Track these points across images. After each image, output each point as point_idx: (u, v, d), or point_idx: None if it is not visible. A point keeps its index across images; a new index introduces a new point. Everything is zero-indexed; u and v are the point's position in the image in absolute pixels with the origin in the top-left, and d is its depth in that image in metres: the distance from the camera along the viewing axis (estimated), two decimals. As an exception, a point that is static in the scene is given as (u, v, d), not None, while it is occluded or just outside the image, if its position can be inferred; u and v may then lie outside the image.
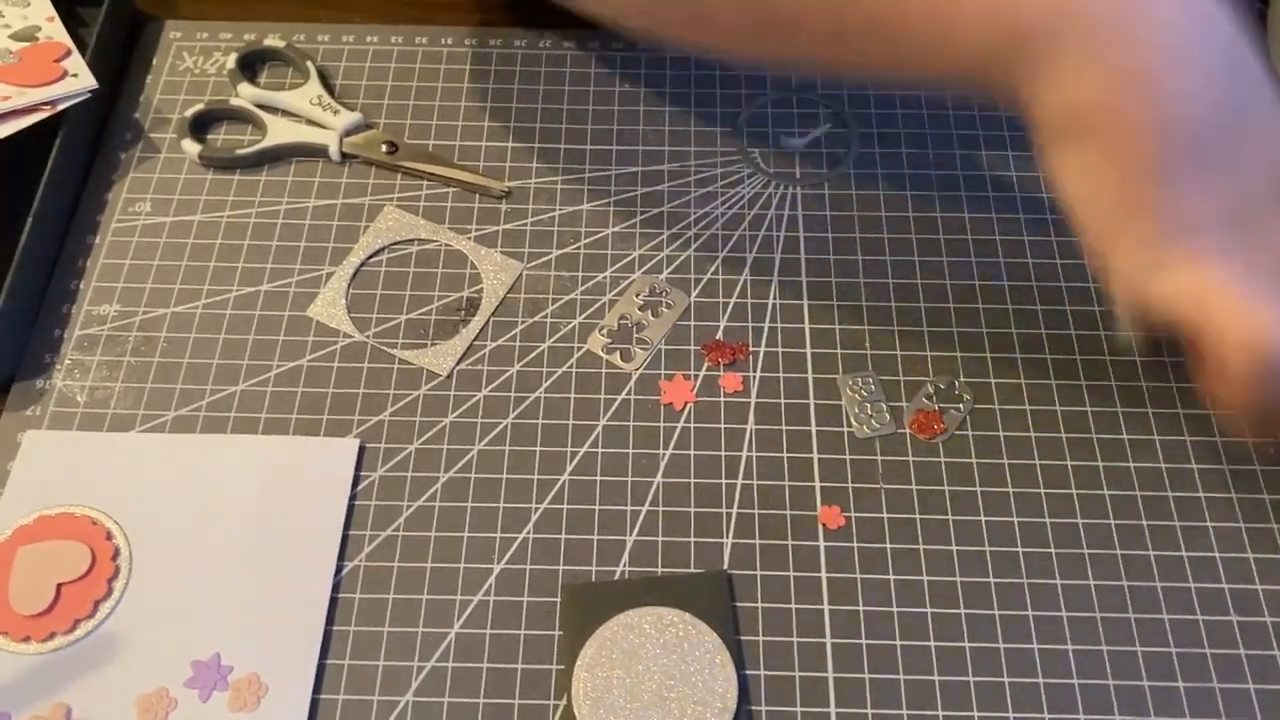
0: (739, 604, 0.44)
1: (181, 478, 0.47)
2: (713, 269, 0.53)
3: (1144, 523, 0.46)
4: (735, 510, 0.47)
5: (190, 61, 0.60)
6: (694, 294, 0.52)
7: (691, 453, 0.48)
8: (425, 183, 0.56)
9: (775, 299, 0.52)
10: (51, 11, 0.58)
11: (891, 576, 0.45)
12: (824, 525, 0.46)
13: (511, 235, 0.54)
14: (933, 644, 0.44)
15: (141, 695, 0.42)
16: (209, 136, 0.57)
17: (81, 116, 0.55)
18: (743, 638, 0.44)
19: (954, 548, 0.46)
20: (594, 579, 0.45)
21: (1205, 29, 0.38)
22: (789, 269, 0.53)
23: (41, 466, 0.47)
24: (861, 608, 0.44)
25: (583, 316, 0.52)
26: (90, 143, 0.56)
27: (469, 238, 0.54)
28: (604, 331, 0.51)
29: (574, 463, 0.48)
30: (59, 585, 0.44)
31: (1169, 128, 0.37)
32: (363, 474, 0.47)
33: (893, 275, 0.53)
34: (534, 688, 0.43)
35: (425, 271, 0.53)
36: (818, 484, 0.47)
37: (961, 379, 0.50)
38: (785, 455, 0.48)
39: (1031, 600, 0.45)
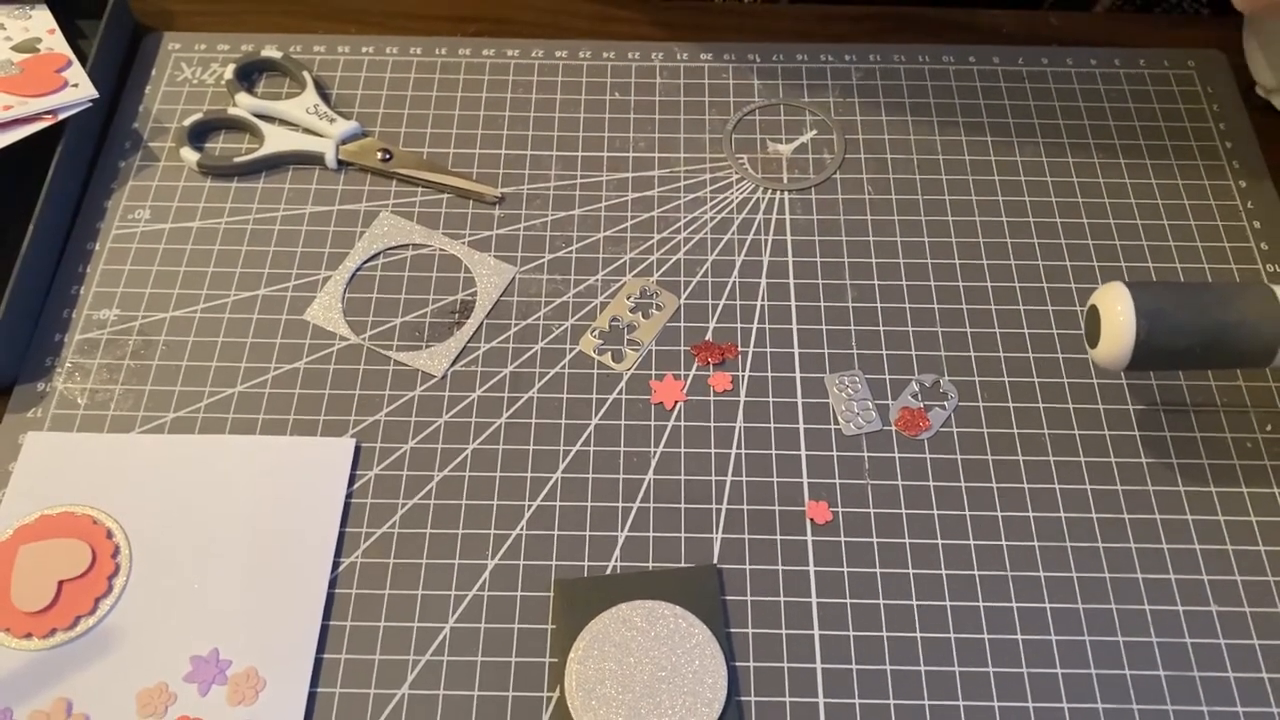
0: (728, 597, 0.45)
1: (180, 478, 0.48)
2: (702, 272, 0.54)
3: (1125, 516, 0.47)
4: (725, 506, 0.48)
5: (189, 72, 0.61)
6: (684, 296, 0.53)
7: (682, 450, 0.49)
8: (420, 189, 0.57)
9: (763, 300, 0.53)
10: (53, 24, 0.59)
11: (878, 570, 0.46)
12: (812, 520, 0.47)
13: (505, 240, 0.55)
14: (919, 635, 0.44)
15: (141, 690, 0.43)
16: (207, 145, 0.58)
17: (82, 126, 0.56)
18: (732, 630, 0.45)
19: (939, 542, 0.47)
20: (586, 574, 0.46)
21: None
22: (776, 271, 0.54)
23: (43, 467, 0.48)
24: (849, 600, 0.45)
25: (575, 319, 0.53)
26: (90, 151, 0.57)
27: (463, 242, 0.55)
28: (596, 333, 0.52)
29: (566, 461, 0.49)
30: (60, 583, 0.45)
31: None
32: (359, 473, 0.48)
33: (878, 277, 0.54)
34: (528, 680, 0.43)
35: (420, 275, 0.54)
36: (805, 480, 0.48)
37: (946, 377, 0.51)
38: (774, 452, 0.49)
39: (1015, 592, 0.45)
